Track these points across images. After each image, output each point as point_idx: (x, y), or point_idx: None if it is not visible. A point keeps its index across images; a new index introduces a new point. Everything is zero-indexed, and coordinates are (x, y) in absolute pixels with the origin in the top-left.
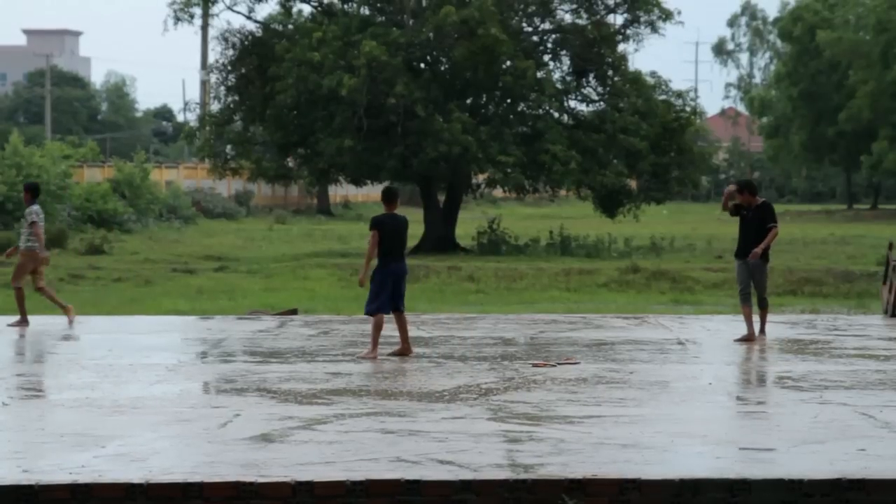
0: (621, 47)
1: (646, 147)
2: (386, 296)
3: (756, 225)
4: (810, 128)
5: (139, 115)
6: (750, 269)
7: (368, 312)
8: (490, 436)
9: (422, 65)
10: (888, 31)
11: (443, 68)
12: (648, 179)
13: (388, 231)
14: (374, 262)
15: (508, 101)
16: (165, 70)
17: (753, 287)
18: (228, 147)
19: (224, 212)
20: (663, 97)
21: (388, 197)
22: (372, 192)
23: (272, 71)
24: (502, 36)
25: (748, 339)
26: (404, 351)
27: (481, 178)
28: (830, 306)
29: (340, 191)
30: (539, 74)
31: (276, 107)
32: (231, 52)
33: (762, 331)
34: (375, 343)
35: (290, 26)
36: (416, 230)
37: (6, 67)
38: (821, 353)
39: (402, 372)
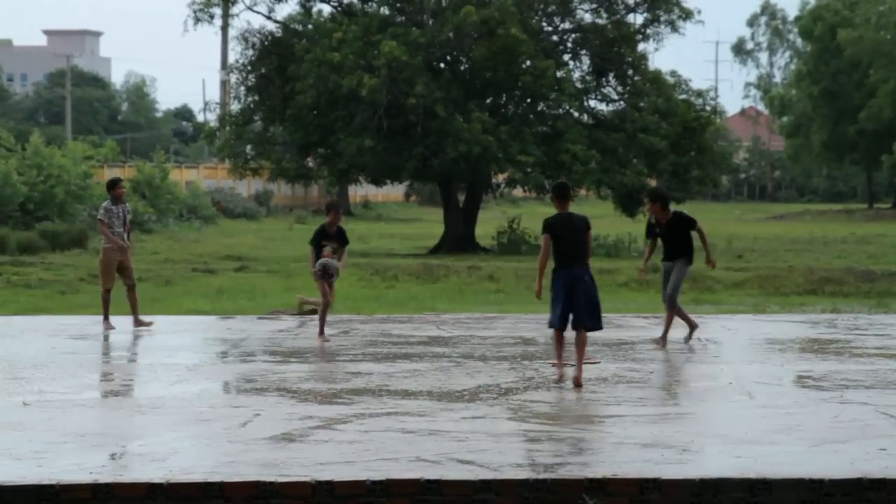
0: (641, 47)
1: (666, 146)
2: (560, 307)
3: (676, 235)
4: (831, 127)
5: (159, 115)
6: (671, 271)
7: (548, 325)
8: (510, 435)
9: (442, 65)
10: None
11: (463, 68)
12: (668, 179)
13: (559, 233)
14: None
15: (528, 100)
16: (185, 70)
17: (668, 287)
18: (248, 147)
19: (244, 212)
20: (683, 96)
21: (559, 194)
22: (392, 192)
23: (292, 71)
24: (522, 36)
25: (692, 328)
26: (575, 379)
27: (501, 177)
28: (851, 306)
29: (360, 191)
30: (559, 74)
31: (296, 107)
32: (251, 52)
33: (664, 335)
34: (559, 356)
35: (310, 26)
36: (436, 230)
37: (27, 68)
38: (841, 352)
39: (421, 372)
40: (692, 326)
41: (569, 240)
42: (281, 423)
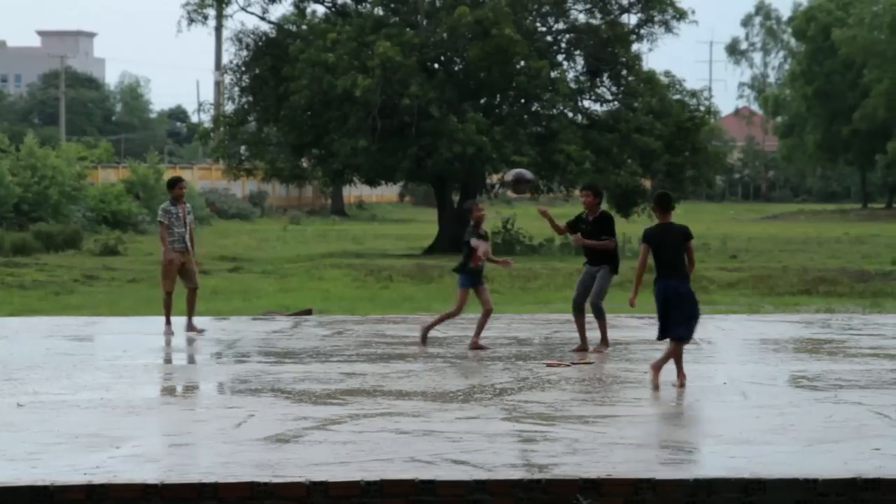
0: (635, 47)
1: (660, 146)
2: (659, 319)
3: (598, 237)
4: (825, 127)
5: (153, 116)
6: (593, 277)
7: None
8: (504, 436)
9: (436, 65)
10: None
11: (457, 69)
12: (663, 179)
13: (656, 243)
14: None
15: (522, 101)
16: (180, 71)
17: (591, 294)
18: (242, 148)
19: (238, 212)
20: (677, 97)
21: (659, 204)
22: (386, 193)
23: (286, 72)
24: (516, 36)
25: (580, 349)
26: (680, 380)
27: (495, 178)
28: (845, 306)
29: (354, 191)
30: (553, 74)
31: (291, 107)
32: (245, 52)
33: (603, 341)
34: (679, 368)
35: (304, 27)
36: (430, 230)
37: (21, 69)
38: (835, 352)
39: (416, 372)
40: (581, 345)
41: (666, 251)
42: (275, 424)
